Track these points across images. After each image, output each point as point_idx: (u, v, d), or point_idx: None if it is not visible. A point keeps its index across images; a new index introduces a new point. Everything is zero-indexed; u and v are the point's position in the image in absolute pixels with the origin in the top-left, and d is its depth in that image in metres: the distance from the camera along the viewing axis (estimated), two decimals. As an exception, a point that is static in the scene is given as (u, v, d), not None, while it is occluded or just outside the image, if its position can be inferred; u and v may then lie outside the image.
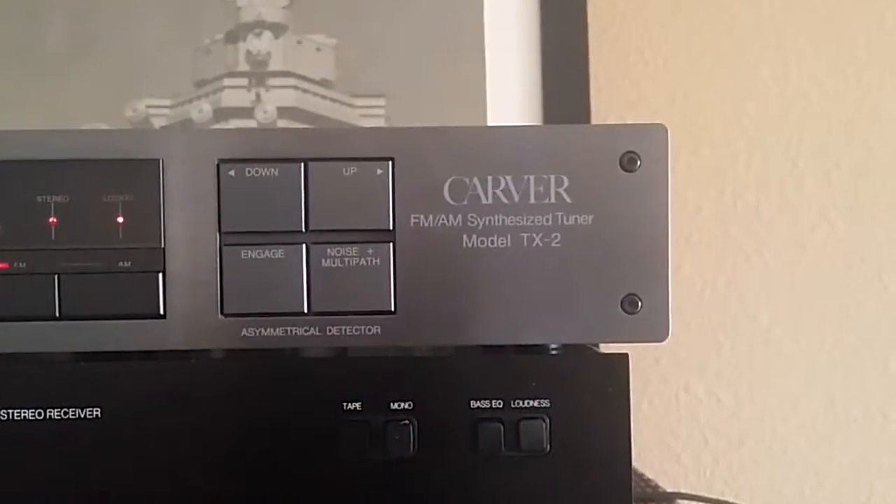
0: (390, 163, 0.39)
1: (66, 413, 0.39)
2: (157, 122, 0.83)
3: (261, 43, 0.85)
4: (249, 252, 0.39)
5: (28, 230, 0.39)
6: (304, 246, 0.39)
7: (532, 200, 0.39)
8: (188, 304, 0.39)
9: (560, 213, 0.39)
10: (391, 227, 0.39)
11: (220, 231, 0.39)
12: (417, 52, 0.84)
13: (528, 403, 0.39)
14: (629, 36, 0.94)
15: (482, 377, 0.40)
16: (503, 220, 0.39)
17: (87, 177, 0.40)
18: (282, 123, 0.84)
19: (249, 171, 0.39)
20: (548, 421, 0.39)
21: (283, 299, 0.39)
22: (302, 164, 0.39)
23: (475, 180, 0.39)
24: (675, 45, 0.92)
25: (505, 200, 0.39)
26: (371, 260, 0.39)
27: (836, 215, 0.88)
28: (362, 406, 0.40)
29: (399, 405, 0.39)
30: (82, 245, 0.40)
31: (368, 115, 0.86)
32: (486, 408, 0.40)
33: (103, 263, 0.39)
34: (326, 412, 0.39)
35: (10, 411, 0.40)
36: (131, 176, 0.40)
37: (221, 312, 0.40)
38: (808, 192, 0.88)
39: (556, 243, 0.39)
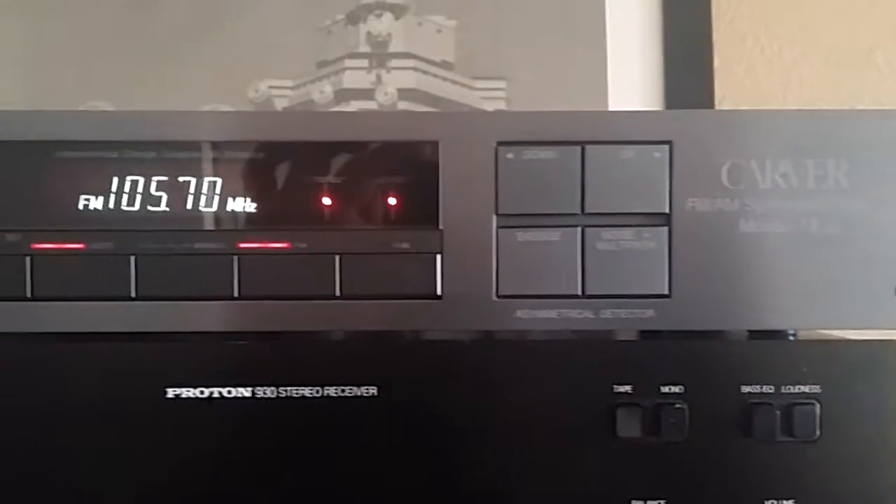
0: (668, 146, 0.39)
1: (343, 391, 0.40)
2: (280, 104, 0.83)
3: (381, 24, 0.84)
4: (525, 234, 0.39)
5: (305, 210, 0.40)
6: (579, 229, 0.40)
7: (811, 185, 0.39)
8: (464, 285, 0.40)
9: (838, 199, 0.39)
10: (668, 211, 0.39)
11: (496, 213, 0.39)
12: (537, 35, 0.84)
13: (799, 389, 0.40)
14: (746, 21, 0.94)
15: (753, 362, 0.40)
16: (781, 205, 0.39)
17: (362, 158, 0.40)
18: (402, 105, 0.84)
19: (527, 154, 0.39)
20: (819, 407, 0.39)
21: (558, 282, 0.40)
22: (580, 147, 0.39)
23: (753, 164, 0.39)
24: (790, 30, 0.92)
25: (783, 185, 0.39)
26: (646, 243, 0.39)
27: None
28: (633, 389, 0.40)
29: (670, 389, 0.40)
30: (357, 226, 0.39)
31: (489, 97, 0.85)
32: (756, 392, 0.40)
33: (379, 244, 0.39)
34: (599, 394, 0.40)
35: (289, 388, 0.40)
36: (409, 157, 0.40)
37: (496, 294, 0.40)
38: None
39: (833, 229, 0.39)
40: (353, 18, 0.84)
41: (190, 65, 0.81)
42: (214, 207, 0.40)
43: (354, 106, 0.85)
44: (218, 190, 0.41)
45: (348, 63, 0.84)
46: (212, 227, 0.40)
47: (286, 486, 0.40)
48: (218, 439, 0.40)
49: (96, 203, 0.41)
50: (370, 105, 0.84)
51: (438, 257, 0.39)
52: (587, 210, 0.39)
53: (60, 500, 0.39)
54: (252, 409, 0.40)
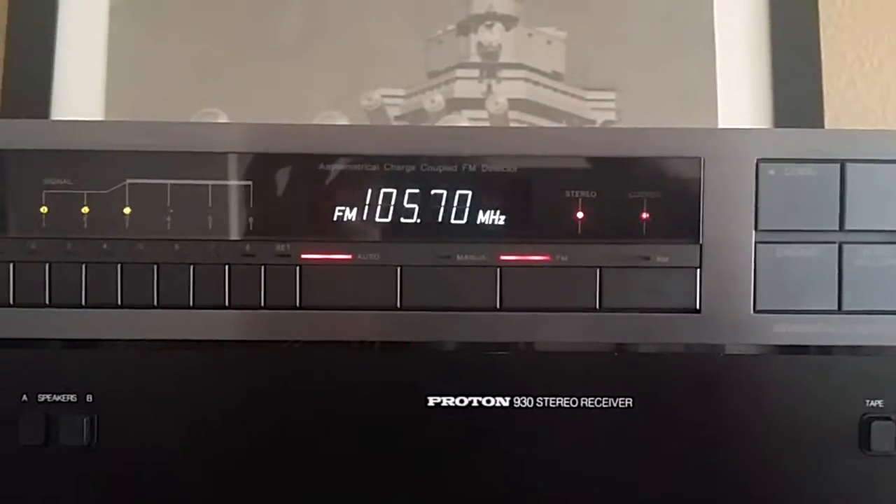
0: (928, 166, 0.40)
1: (598, 402, 0.40)
2: (392, 113, 0.84)
3: (492, 35, 0.85)
4: (784, 250, 0.40)
5: (564, 224, 0.40)
6: (837, 245, 0.40)
7: None
8: (722, 299, 0.40)
9: None
10: (927, 229, 0.40)
11: (756, 229, 0.40)
12: (647, 46, 0.84)
13: None
14: (846, 36, 0.95)
15: None
16: None
17: (624, 172, 0.40)
18: (513, 115, 0.85)
19: (787, 171, 0.40)
20: None
21: (815, 297, 0.40)
22: (839, 165, 0.40)
23: None
24: (889, 45, 0.93)
25: None
26: (905, 260, 0.40)
27: None
28: (884, 403, 0.40)
29: (922, 403, 0.40)
30: (617, 240, 0.40)
31: (599, 108, 0.86)
32: None
33: (639, 258, 0.40)
34: (851, 408, 0.40)
35: (547, 399, 0.40)
36: (671, 172, 0.40)
37: (754, 309, 0.40)
38: None
39: None
40: (464, 29, 0.85)
41: (302, 73, 0.81)
42: (464, 220, 0.41)
43: (465, 116, 0.86)
44: (469, 203, 0.41)
45: (459, 73, 0.84)
46: (471, 240, 0.40)
47: (542, 495, 0.40)
48: (476, 448, 0.40)
49: (350, 215, 0.41)
50: (481, 115, 0.85)
51: (698, 272, 0.40)
52: (846, 227, 0.40)
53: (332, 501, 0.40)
54: (510, 419, 0.40)
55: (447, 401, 0.40)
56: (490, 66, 0.84)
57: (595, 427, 0.40)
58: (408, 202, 0.41)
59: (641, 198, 0.40)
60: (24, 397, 0.39)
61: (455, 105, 0.83)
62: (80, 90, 0.79)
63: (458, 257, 0.40)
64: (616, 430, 0.40)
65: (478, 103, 0.83)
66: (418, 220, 0.41)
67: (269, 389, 0.40)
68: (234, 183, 0.40)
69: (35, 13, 0.76)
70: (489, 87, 0.83)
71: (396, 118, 0.83)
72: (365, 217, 0.41)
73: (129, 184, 0.40)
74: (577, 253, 0.40)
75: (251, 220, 0.40)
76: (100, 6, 0.79)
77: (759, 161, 0.40)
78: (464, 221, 0.41)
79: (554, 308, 0.40)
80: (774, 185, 0.40)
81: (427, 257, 0.40)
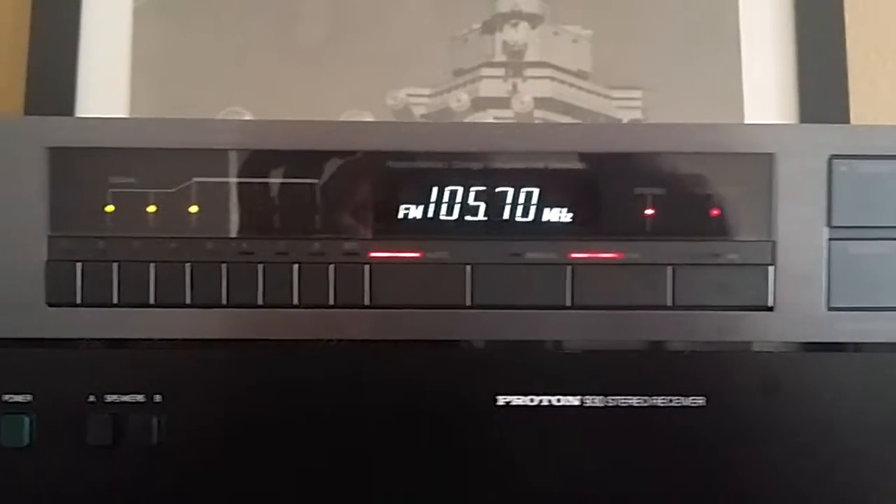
0: None
1: (670, 401, 0.40)
2: (417, 112, 0.84)
3: (517, 33, 0.85)
4: (857, 247, 0.40)
5: (634, 221, 0.40)
6: (911, 242, 0.40)
7: None
8: (795, 296, 0.40)
9: None
10: None
11: (829, 225, 0.40)
12: (673, 45, 0.84)
13: None
14: (868, 36, 0.95)
15: None
16: None
17: (695, 169, 0.40)
18: (538, 114, 0.84)
19: (861, 167, 0.40)
20: None
21: (889, 294, 0.40)
22: (913, 162, 0.40)
23: None
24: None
25: None
26: (977, 257, 0.40)
27: None
28: (958, 400, 0.40)
29: None
30: (688, 237, 0.40)
31: (625, 107, 0.86)
32: None
33: (710, 255, 0.40)
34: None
35: (618, 398, 0.40)
36: (743, 169, 0.40)
37: (827, 306, 0.40)
38: None
39: None
40: (489, 28, 0.84)
41: (328, 72, 0.81)
42: (531, 217, 0.41)
43: (491, 115, 0.86)
44: (535, 200, 0.41)
45: (484, 72, 0.84)
46: (539, 237, 0.40)
47: (612, 494, 0.40)
48: (546, 448, 0.40)
49: (416, 212, 0.41)
50: (507, 114, 0.85)
51: (771, 269, 0.40)
52: (919, 223, 0.39)
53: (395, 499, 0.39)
54: (581, 418, 0.40)
55: (517, 400, 0.39)
56: (515, 64, 0.83)
57: (666, 427, 0.39)
58: (474, 200, 0.41)
59: (711, 194, 0.40)
60: (92, 398, 0.39)
61: (480, 104, 0.83)
62: (104, 90, 0.78)
63: (528, 255, 0.40)
64: (688, 429, 0.39)
65: (503, 102, 0.83)
66: (484, 218, 0.40)
67: (338, 388, 0.39)
68: (300, 181, 0.40)
69: (59, 13, 0.76)
70: (514, 85, 0.83)
71: (422, 117, 0.82)
72: (431, 215, 0.40)
73: (196, 182, 0.40)
74: (648, 250, 0.39)
75: (318, 218, 0.40)
76: (124, 5, 0.78)
77: (831, 157, 0.39)
78: (530, 219, 0.40)
79: (625, 306, 0.39)
80: (847, 182, 0.39)
81: (496, 255, 0.40)
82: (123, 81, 0.78)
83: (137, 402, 0.39)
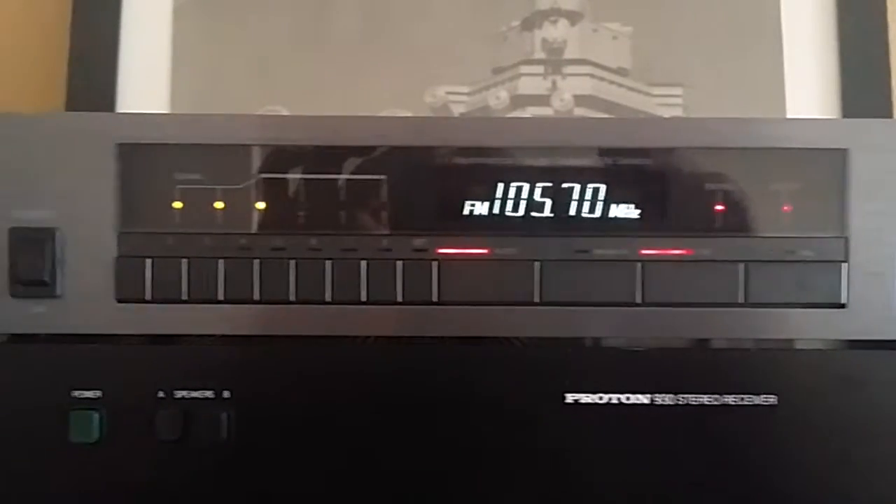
0: None
1: (742, 399, 0.39)
2: (456, 109, 0.83)
3: (557, 31, 0.84)
4: (930, 243, 0.39)
5: (704, 217, 0.39)
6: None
7: None
8: (868, 294, 0.39)
9: None
10: None
11: (902, 221, 0.39)
12: (714, 41, 0.83)
13: None
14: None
15: None
16: None
17: (766, 165, 0.39)
18: (578, 112, 0.84)
19: (936, 162, 0.39)
20: None
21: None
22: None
23: None
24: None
25: None
26: None
27: None
28: None
29: None
30: (760, 233, 0.39)
31: (666, 104, 0.85)
32: None
33: (783, 252, 0.39)
34: None
35: (688, 396, 0.40)
36: (816, 164, 0.39)
37: (901, 304, 0.39)
38: None
39: None
40: (529, 25, 0.84)
41: (367, 70, 0.81)
42: (598, 214, 0.40)
43: (530, 112, 0.85)
44: (602, 196, 0.40)
45: (524, 69, 0.83)
46: (607, 234, 0.40)
47: (683, 492, 0.39)
48: (615, 446, 0.39)
49: (482, 209, 0.41)
50: (546, 111, 0.84)
51: (844, 266, 0.39)
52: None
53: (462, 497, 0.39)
54: (650, 416, 0.39)
55: (585, 398, 0.39)
56: (555, 62, 0.83)
57: (737, 425, 0.39)
58: (540, 196, 0.40)
59: (782, 190, 0.39)
60: (161, 393, 0.39)
61: (520, 102, 0.83)
62: (144, 86, 0.78)
63: (596, 252, 0.39)
64: (760, 428, 0.39)
65: (543, 100, 0.83)
66: (551, 215, 0.40)
67: (408, 385, 0.39)
68: (367, 177, 0.40)
69: (99, 10, 0.76)
70: (554, 83, 0.83)
71: (461, 115, 0.82)
72: (497, 211, 0.40)
73: (262, 178, 0.40)
74: (719, 246, 0.39)
75: (385, 214, 0.40)
76: (164, 4, 0.78)
77: (906, 152, 0.39)
78: (597, 215, 0.40)
79: (696, 303, 0.39)
80: (922, 177, 0.38)
81: (564, 251, 0.40)
82: (164, 79, 0.78)
83: (206, 398, 0.39)
